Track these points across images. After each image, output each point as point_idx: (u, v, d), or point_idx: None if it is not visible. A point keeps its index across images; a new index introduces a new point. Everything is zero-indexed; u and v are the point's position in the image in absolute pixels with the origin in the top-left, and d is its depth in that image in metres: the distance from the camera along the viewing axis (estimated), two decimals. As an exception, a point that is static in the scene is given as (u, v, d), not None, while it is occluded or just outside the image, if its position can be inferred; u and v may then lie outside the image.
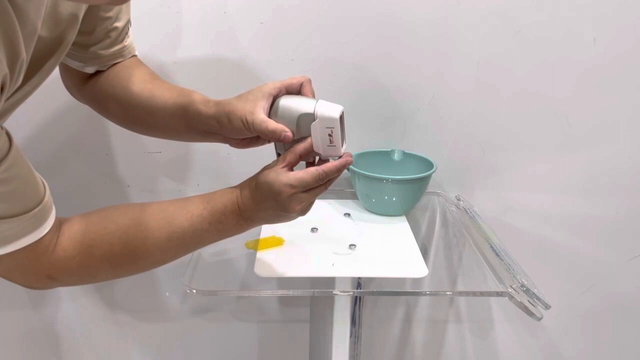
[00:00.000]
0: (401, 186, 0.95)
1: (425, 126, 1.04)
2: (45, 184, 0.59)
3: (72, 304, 1.18)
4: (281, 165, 0.66)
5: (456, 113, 1.04)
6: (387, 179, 0.93)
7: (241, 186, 0.69)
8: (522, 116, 1.04)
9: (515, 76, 1.01)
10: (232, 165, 1.06)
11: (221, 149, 1.05)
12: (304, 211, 0.68)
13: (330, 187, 1.07)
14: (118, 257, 0.63)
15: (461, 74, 1.01)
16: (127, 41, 0.78)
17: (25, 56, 0.54)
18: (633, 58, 1.00)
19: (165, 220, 0.64)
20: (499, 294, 0.75)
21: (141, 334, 1.23)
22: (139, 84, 0.76)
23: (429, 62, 1.00)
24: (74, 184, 1.07)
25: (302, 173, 0.65)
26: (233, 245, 1.08)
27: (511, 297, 0.74)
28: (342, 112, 0.66)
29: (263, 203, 0.66)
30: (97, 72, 0.78)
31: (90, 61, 0.75)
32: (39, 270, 0.60)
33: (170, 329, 1.22)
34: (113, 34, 0.74)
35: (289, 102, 0.67)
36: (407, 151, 1.03)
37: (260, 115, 0.66)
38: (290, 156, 0.66)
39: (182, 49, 0.98)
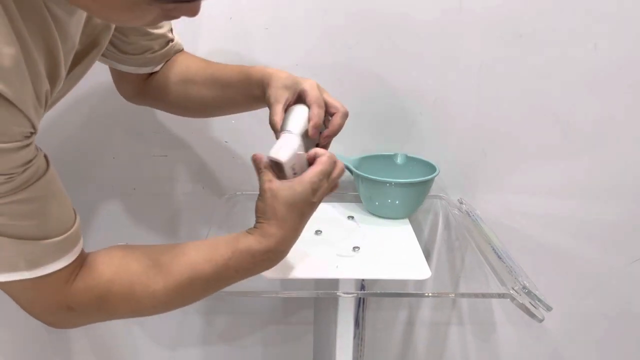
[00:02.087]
0: (404, 189, 0.95)
1: (428, 130, 1.05)
2: (76, 212, 0.58)
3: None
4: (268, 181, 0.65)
5: (459, 117, 1.04)
6: (390, 183, 0.94)
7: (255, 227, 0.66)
8: (524, 120, 1.04)
9: (517, 80, 1.02)
10: (236, 168, 1.07)
11: (226, 152, 1.06)
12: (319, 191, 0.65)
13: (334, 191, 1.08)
14: (137, 299, 0.61)
15: (464, 78, 1.02)
16: (174, 41, 0.82)
17: (64, 74, 0.56)
18: (633, 63, 1.00)
19: (189, 267, 0.63)
20: (500, 296, 0.76)
21: (142, 335, 1.23)
22: (196, 64, 0.82)
23: (432, 67, 1.01)
24: (81, 187, 1.08)
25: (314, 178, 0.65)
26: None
27: (513, 299, 0.75)
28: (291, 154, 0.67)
29: (288, 228, 0.64)
30: (152, 73, 0.82)
31: (144, 64, 0.79)
32: (59, 300, 0.58)
33: (173, 329, 1.23)
34: (159, 40, 0.78)
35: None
36: (410, 155, 1.04)
37: (277, 107, 0.71)
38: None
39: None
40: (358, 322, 1.03)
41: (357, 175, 0.97)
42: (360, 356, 1.08)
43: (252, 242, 0.63)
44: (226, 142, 1.06)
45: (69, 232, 0.55)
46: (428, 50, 1.00)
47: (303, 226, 0.67)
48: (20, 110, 0.47)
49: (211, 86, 0.81)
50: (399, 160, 1.04)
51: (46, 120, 1.01)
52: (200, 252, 0.64)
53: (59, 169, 1.03)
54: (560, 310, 1.17)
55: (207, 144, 1.06)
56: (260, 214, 0.65)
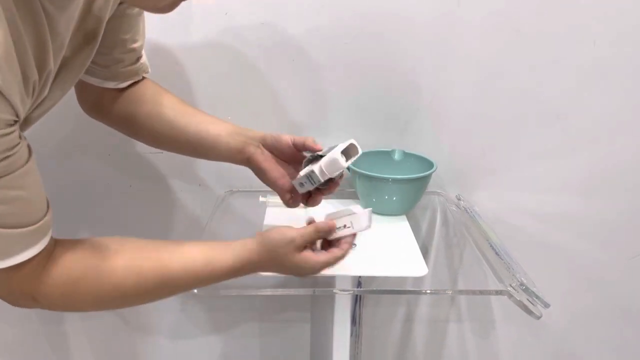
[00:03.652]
0: (402, 186, 0.95)
1: (425, 126, 1.05)
2: (49, 203, 0.58)
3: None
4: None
5: (456, 113, 1.04)
6: (387, 179, 0.94)
7: (255, 248, 0.70)
8: (522, 116, 1.04)
9: (515, 76, 1.01)
10: (233, 165, 1.06)
11: (223, 149, 1.06)
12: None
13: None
14: (105, 297, 0.62)
15: (461, 74, 1.01)
16: (143, 59, 0.82)
17: (52, 67, 0.56)
18: (633, 59, 1.00)
19: (160, 270, 0.64)
20: (498, 293, 0.76)
21: (141, 333, 1.23)
22: (172, 112, 0.83)
23: (429, 63, 1.00)
24: (76, 184, 1.08)
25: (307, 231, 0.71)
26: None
27: (510, 296, 0.74)
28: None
29: (279, 264, 0.70)
30: (117, 93, 0.81)
31: (109, 78, 0.79)
32: (24, 290, 0.58)
33: (171, 328, 1.23)
34: (131, 55, 0.78)
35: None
36: (407, 151, 1.04)
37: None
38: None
39: (184, 51, 0.99)
40: (355, 320, 1.02)
41: (354, 172, 0.97)
42: (358, 354, 1.08)
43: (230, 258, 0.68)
44: (222, 138, 1.05)
45: (41, 222, 0.55)
46: (426, 46, 0.99)
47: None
48: (5, 98, 0.47)
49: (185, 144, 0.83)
50: (397, 156, 1.04)
51: (43, 117, 1.01)
52: (174, 256, 0.65)
53: (54, 166, 1.04)
54: (559, 307, 1.17)
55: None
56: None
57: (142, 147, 1.06)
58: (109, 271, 0.61)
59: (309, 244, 0.70)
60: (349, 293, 0.85)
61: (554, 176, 1.08)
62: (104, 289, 0.61)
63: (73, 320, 1.20)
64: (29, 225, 0.54)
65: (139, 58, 0.81)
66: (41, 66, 0.53)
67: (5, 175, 0.50)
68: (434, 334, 1.24)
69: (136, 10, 0.75)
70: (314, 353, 1.10)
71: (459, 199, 1.07)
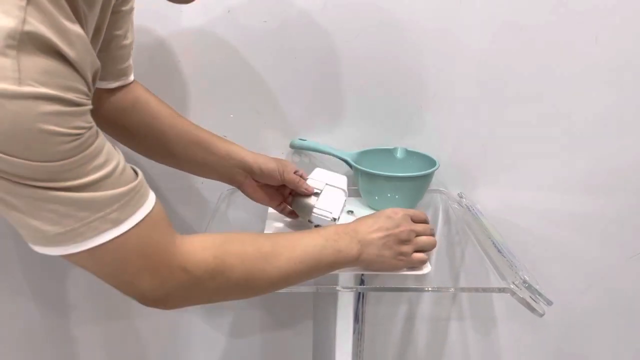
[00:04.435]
0: (404, 184, 0.95)
1: (427, 124, 1.05)
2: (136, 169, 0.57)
3: (73, 302, 1.18)
4: None
5: (458, 111, 1.04)
6: (389, 177, 0.94)
7: (356, 219, 0.78)
8: (524, 114, 1.04)
9: (517, 73, 1.01)
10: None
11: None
12: (412, 256, 0.77)
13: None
14: (250, 258, 0.63)
15: (463, 71, 1.01)
16: (131, 60, 0.82)
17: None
18: (635, 56, 1.00)
19: (287, 236, 0.70)
20: (501, 290, 0.76)
21: (142, 330, 1.23)
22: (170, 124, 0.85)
23: (432, 60, 1.00)
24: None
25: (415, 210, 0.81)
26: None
27: (513, 293, 0.74)
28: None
29: (377, 223, 0.75)
30: (107, 95, 0.81)
31: (100, 78, 0.76)
32: (172, 259, 0.56)
33: (173, 325, 1.23)
34: (122, 52, 0.79)
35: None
36: (409, 149, 1.04)
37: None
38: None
39: (186, 48, 0.99)
40: (358, 317, 1.02)
41: (357, 170, 0.97)
42: (360, 351, 1.08)
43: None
44: (225, 136, 1.05)
45: (139, 178, 0.55)
46: (428, 43, 0.99)
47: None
48: (80, 73, 0.48)
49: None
50: (399, 154, 1.04)
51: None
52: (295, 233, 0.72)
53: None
54: (560, 305, 1.16)
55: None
56: None
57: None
58: (250, 238, 0.66)
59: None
60: (352, 290, 0.85)
61: (556, 174, 1.08)
62: (247, 251, 0.63)
63: (80, 323, 1.20)
64: (134, 181, 0.53)
65: (129, 57, 0.81)
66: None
67: (94, 143, 0.50)
68: (436, 332, 1.24)
69: (128, 6, 0.75)
70: (316, 350, 1.10)
71: (461, 197, 1.07)
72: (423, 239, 0.78)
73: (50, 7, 0.44)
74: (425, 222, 0.81)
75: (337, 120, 1.04)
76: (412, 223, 0.78)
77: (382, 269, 0.76)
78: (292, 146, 1.03)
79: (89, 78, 0.50)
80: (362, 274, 0.92)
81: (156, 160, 0.89)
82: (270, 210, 0.99)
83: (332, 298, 0.88)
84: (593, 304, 1.19)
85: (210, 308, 1.21)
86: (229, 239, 0.63)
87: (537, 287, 0.74)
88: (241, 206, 1.06)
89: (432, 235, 0.80)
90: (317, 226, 0.83)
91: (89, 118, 0.50)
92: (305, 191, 0.85)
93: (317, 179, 0.89)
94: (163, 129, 0.84)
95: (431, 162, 0.98)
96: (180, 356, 1.26)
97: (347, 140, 1.05)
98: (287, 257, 0.66)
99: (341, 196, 0.87)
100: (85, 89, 0.49)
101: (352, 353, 0.91)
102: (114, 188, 0.51)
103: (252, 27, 0.97)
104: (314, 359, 1.09)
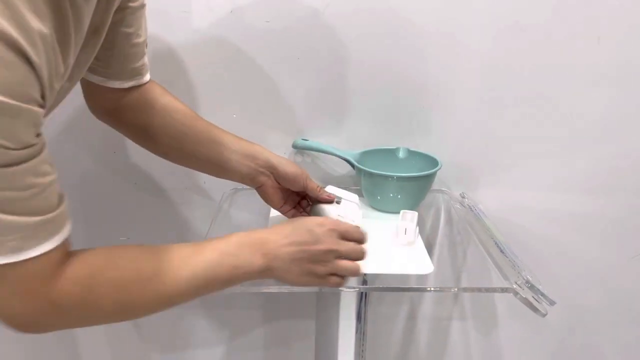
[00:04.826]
0: (406, 184, 0.95)
1: (430, 124, 1.05)
2: (64, 195, 0.55)
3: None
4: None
5: (461, 111, 1.04)
6: (392, 177, 0.94)
7: (272, 226, 0.71)
8: (527, 114, 1.04)
9: (520, 74, 1.01)
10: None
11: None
12: (328, 278, 0.68)
13: (336, 185, 1.07)
14: (126, 285, 0.58)
15: (466, 72, 1.01)
16: (146, 59, 0.81)
17: (72, 61, 0.55)
18: (637, 56, 1.00)
19: (176, 251, 0.63)
20: (503, 290, 0.76)
21: (144, 330, 1.23)
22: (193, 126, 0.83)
23: (434, 60, 1.00)
24: (81, 182, 1.08)
25: (349, 225, 0.71)
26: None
27: (516, 294, 0.74)
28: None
29: (292, 235, 0.66)
30: (124, 95, 0.79)
31: (112, 77, 0.77)
32: (42, 292, 0.53)
33: (175, 324, 1.23)
34: (135, 50, 0.77)
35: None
36: (412, 149, 1.04)
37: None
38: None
39: (190, 48, 0.99)
40: (360, 317, 1.02)
41: (359, 170, 0.97)
42: (362, 351, 1.08)
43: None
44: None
45: (59, 210, 0.52)
46: (430, 43, 0.99)
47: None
48: (38, 76, 0.46)
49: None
50: (401, 154, 1.04)
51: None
52: (191, 244, 0.64)
53: (59, 162, 1.03)
54: (562, 305, 1.16)
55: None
56: None
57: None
58: (129, 257, 0.60)
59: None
60: (355, 290, 0.85)
61: (558, 174, 1.08)
62: (125, 275, 0.58)
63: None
64: (49, 213, 0.51)
65: (142, 56, 0.79)
66: (65, 58, 0.52)
67: (31, 160, 0.47)
68: (437, 332, 1.24)
69: (138, 2, 0.73)
70: (319, 350, 1.10)
71: (463, 197, 1.07)
72: (343, 264, 0.68)
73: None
74: (359, 241, 0.71)
75: (340, 120, 1.04)
76: (338, 241, 0.68)
77: (291, 284, 0.69)
78: (294, 146, 1.03)
79: (46, 82, 0.47)
80: (365, 274, 0.92)
81: (174, 162, 0.87)
82: (273, 209, 0.99)
83: (335, 298, 0.88)
84: (594, 304, 1.19)
85: (211, 308, 1.21)
86: (106, 266, 0.57)
87: (539, 287, 0.74)
88: (243, 206, 1.07)
89: (360, 257, 0.70)
90: None
91: (37, 123, 0.47)
92: (328, 197, 0.84)
93: (332, 192, 0.88)
94: (183, 130, 0.82)
95: (433, 162, 0.98)
96: (181, 356, 1.26)
97: (350, 140, 1.05)
98: (171, 278, 0.60)
99: (357, 209, 0.87)
100: (37, 95, 0.46)
101: (355, 353, 0.91)
102: (28, 214, 0.48)
103: (255, 27, 0.97)
104: (316, 359, 1.09)
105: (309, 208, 0.88)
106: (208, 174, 0.89)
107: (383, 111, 1.04)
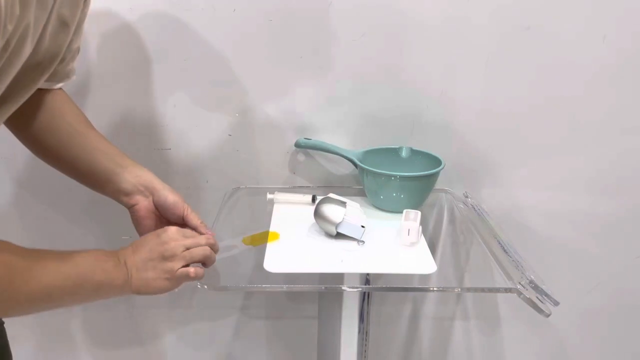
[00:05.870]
0: (409, 183, 0.95)
1: (433, 123, 1.04)
2: None
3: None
4: None
5: (464, 110, 1.04)
6: (395, 176, 0.93)
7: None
8: (531, 113, 1.03)
9: (524, 74, 1.01)
10: (240, 162, 1.07)
11: (229, 145, 1.05)
12: (182, 270, 0.71)
13: (338, 184, 1.07)
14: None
15: (470, 71, 1.01)
16: (74, 64, 0.78)
17: (31, 24, 0.52)
18: (642, 56, 0.99)
19: (36, 254, 0.61)
20: (507, 290, 0.75)
21: (149, 330, 1.23)
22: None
23: (437, 60, 1.00)
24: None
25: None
26: (241, 241, 1.09)
27: (520, 294, 0.74)
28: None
29: (141, 244, 0.71)
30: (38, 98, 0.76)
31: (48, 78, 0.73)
32: None
33: (178, 324, 1.23)
34: (68, 54, 0.74)
35: None
36: (415, 148, 1.03)
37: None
38: None
39: (192, 48, 0.99)
40: (363, 317, 1.02)
41: (362, 169, 0.97)
42: (365, 351, 1.08)
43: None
44: (230, 135, 1.05)
45: None
46: (433, 42, 0.99)
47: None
48: None
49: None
50: (404, 153, 1.04)
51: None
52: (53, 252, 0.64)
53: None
54: (566, 305, 1.16)
55: (210, 138, 1.06)
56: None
57: (148, 144, 1.06)
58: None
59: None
60: (358, 290, 0.85)
61: (562, 174, 1.08)
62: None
63: (81, 322, 1.20)
64: None
65: (73, 60, 0.77)
66: (20, 18, 0.50)
67: None
68: (440, 332, 1.24)
69: (87, 9, 0.72)
70: (321, 349, 1.10)
71: (466, 197, 1.06)
72: (193, 250, 0.73)
73: None
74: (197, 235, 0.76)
75: (343, 119, 1.04)
76: (183, 238, 0.73)
77: (151, 292, 0.70)
78: (297, 145, 1.03)
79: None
80: (368, 274, 0.92)
81: (54, 166, 0.82)
82: (276, 206, 0.98)
83: (338, 297, 0.88)
84: (599, 304, 1.19)
85: (213, 308, 1.21)
86: None
87: (543, 287, 0.74)
88: (246, 205, 1.06)
89: (210, 243, 0.75)
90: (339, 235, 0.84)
91: None
92: (207, 232, 0.80)
93: (335, 199, 0.88)
94: (69, 132, 0.78)
95: (436, 162, 0.98)
96: (183, 356, 1.26)
97: (353, 139, 1.04)
98: (38, 280, 0.60)
99: (362, 213, 0.88)
100: None
101: (358, 352, 0.91)
102: None
103: (258, 26, 0.97)
104: (318, 359, 1.09)
105: None
106: (85, 185, 0.83)
107: (386, 110, 1.04)
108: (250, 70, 1.00)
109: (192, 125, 1.04)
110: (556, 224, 1.12)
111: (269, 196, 1.01)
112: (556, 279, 1.13)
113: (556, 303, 0.73)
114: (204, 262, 0.74)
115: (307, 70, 1.01)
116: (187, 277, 0.72)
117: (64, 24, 0.63)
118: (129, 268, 0.68)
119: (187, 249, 0.72)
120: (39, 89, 0.73)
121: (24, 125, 0.77)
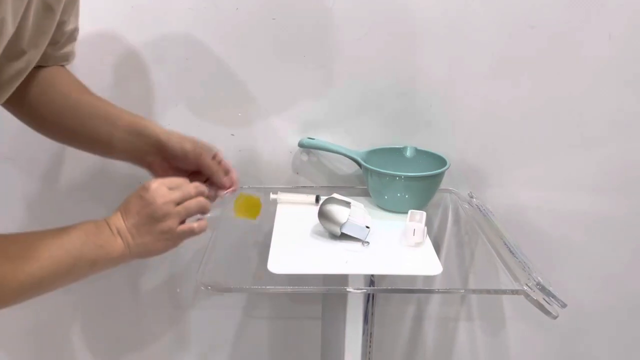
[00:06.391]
0: (414, 183, 0.94)
1: (438, 122, 1.03)
2: None
3: (79, 300, 1.18)
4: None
5: (469, 109, 1.03)
6: (399, 176, 0.92)
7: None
8: (536, 113, 1.03)
9: (529, 72, 1.00)
10: (243, 161, 1.06)
11: (232, 144, 1.05)
12: (181, 228, 0.68)
13: (342, 185, 1.07)
14: None
15: (474, 70, 1.00)
16: (72, 47, 0.77)
17: (7, 18, 0.51)
18: (649, 54, 0.99)
19: (24, 239, 0.60)
20: (514, 292, 0.75)
21: (152, 331, 1.22)
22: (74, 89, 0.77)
23: (442, 58, 0.99)
24: (80, 179, 1.07)
25: (175, 178, 0.70)
26: (244, 240, 1.08)
27: (527, 296, 0.73)
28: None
29: (128, 208, 0.67)
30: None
31: (41, 62, 0.72)
32: None
33: (181, 325, 1.22)
34: (63, 38, 0.73)
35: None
36: (419, 148, 1.03)
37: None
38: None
39: (194, 46, 0.98)
40: (367, 318, 1.01)
41: (366, 169, 0.96)
42: (369, 352, 1.07)
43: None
44: (232, 135, 1.04)
45: None
46: (438, 41, 0.98)
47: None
48: None
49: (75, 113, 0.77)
50: (409, 153, 1.03)
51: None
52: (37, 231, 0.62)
53: (58, 160, 1.01)
54: (572, 306, 1.15)
55: (213, 136, 1.04)
56: None
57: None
58: None
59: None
60: (363, 292, 0.84)
61: (569, 173, 1.07)
62: None
63: (82, 323, 1.19)
64: None
65: (70, 44, 0.75)
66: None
67: None
68: (444, 333, 1.23)
69: None
70: (324, 350, 1.09)
71: (471, 197, 1.06)
72: (187, 204, 0.69)
73: None
74: (182, 185, 0.70)
75: (346, 119, 1.03)
76: (169, 192, 0.68)
77: (153, 255, 0.68)
78: (301, 145, 1.02)
79: None
80: (372, 275, 0.91)
81: (59, 140, 0.81)
82: (279, 206, 0.98)
83: (342, 298, 0.87)
84: (605, 305, 1.18)
85: (216, 308, 1.20)
86: None
87: (550, 288, 0.73)
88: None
89: (202, 193, 0.71)
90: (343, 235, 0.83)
91: None
92: (224, 183, 0.75)
93: (339, 199, 0.87)
94: (63, 102, 0.75)
95: (441, 161, 0.97)
96: (185, 356, 1.25)
97: (356, 138, 1.04)
98: (32, 263, 0.58)
99: (366, 214, 0.87)
100: None
101: (362, 354, 0.90)
102: None
103: (261, 24, 0.96)
104: (322, 360, 1.09)
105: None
106: (93, 153, 0.82)
107: (390, 109, 1.03)
108: (253, 69, 0.99)
109: (194, 125, 1.04)
110: (562, 224, 1.11)
111: (272, 196, 1.00)
112: (562, 280, 1.12)
113: (563, 305, 0.72)
114: (201, 213, 0.71)
115: (310, 69, 1.00)
116: (191, 233, 0.70)
117: (48, 9, 0.61)
118: (123, 237, 0.66)
119: (178, 203, 0.68)
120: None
121: (18, 102, 0.73)
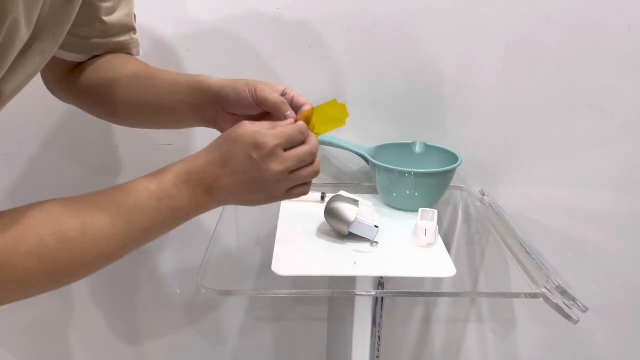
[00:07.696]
0: (424, 180, 0.91)
1: (448, 117, 1.01)
2: None
3: (80, 299, 1.16)
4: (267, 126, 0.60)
5: (481, 104, 1.00)
6: (409, 173, 0.89)
7: (202, 151, 0.61)
8: (551, 107, 1.00)
9: (544, 65, 0.97)
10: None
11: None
12: (290, 192, 0.62)
13: (349, 182, 1.04)
14: (50, 252, 0.51)
15: (487, 63, 0.97)
16: (133, 36, 0.74)
17: (19, 18, 0.47)
18: (670, 45, 0.95)
19: (105, 201, 0.56)
20: (532, 296, 0.71)
21: (153, 332, 1.21)
22: (136, 66, 0.73)
23: (453, 51, 0.97)
24: (82, 177, 1.05)
25: (288, 129, 0.61)
26: (246, 240, 1.06)
27: (546, 299, 0.70)
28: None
29: (231, 164, 0.59)
30: (80, 64, 0.72)
31: (90, 52, 0.71)
32: None
33: (183, 327, 1.20)
34: (101, 27, 0.69)
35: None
36: (429, 143, 1.00)
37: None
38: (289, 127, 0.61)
39: (198, 36, 0.96)
40: (375, 321, 0.98)
41: (374, 165, 0.93)
42: (377, 356, 1.04)
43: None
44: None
45: None
46: (449, 33, 0.95)
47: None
48: None
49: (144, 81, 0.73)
50: (418, 149, 1.00)
51: (49, 105, 0.97)
52: (118, 187, 0.59)
53: (60, 157, 1.00)
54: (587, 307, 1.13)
55: (213, 133, 1.01)
56: None
57: (150, 139, 1.03)
58: (50, 221, 0.52)
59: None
60: (372, 295, 0.81)
61: (584, 170, 1.04)
62: (47, 243, 0.51)
63: (81, 318, 1.17)
64: None
65: (128, 32, 0.73)
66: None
67: None
68: (453, 335, 1.21)
69: None
70: (330, 353, 1.07)
71: (483, 195, 1.02)
72: (301, 173, 0.62)
73: None
74: (303, 142, 0.62)
75: (354, 114, 0.99)
76: (283, 159, 0.60)
77: (253, 206, 0.64)
78: (306, 140, 0.99)
79: None
80: (381, 277, 0.87)
81: (119, 123, 0.78)
82: (283, 204, 0.95)
83: (349, 301, 0.84)
84: (619, 306, 1.15)
85: (220, 309, 1.18)
86: (22, 235, 0.50)
87: (570, 292, 0.70)
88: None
89: (313, 161, 0.63)
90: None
91: None
92: (288, 115, 0.67)
93: (347, 196, 0.83)
94: (136, 77, 0.72)
95: (452, 157, 0.94)
96: (189, 357, 1.23)
97: (364, 134, 1.01)
98: (105, 236, 0.54)
99: (375, 213, 0.83)
100: None
101: (370, 357, 0.87)
102: None
103: (264, 16, 0.94)
104: (327, 363, 1.06)
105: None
106: (162, 127, 0.79)
107: (399, 104, 1.00)
108: (256, 60, 0.97)
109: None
110: (576, 222, 1.08)
111: (276, 194, 0.97)
112: (575, 279, 1.08)
113: (585, 309, 0.69)
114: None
115: (315, 62, 0.97)
116: (301, 195, 0.64)
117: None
118: (214, 194, 0.59)
119: (293, 171, 0.61)
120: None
121: (78, 90, 0.72)
